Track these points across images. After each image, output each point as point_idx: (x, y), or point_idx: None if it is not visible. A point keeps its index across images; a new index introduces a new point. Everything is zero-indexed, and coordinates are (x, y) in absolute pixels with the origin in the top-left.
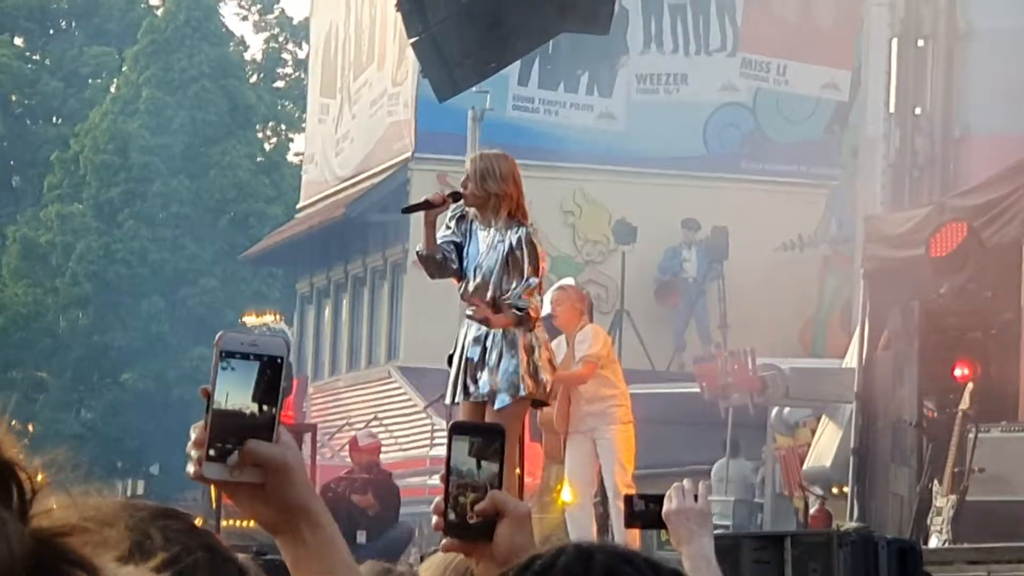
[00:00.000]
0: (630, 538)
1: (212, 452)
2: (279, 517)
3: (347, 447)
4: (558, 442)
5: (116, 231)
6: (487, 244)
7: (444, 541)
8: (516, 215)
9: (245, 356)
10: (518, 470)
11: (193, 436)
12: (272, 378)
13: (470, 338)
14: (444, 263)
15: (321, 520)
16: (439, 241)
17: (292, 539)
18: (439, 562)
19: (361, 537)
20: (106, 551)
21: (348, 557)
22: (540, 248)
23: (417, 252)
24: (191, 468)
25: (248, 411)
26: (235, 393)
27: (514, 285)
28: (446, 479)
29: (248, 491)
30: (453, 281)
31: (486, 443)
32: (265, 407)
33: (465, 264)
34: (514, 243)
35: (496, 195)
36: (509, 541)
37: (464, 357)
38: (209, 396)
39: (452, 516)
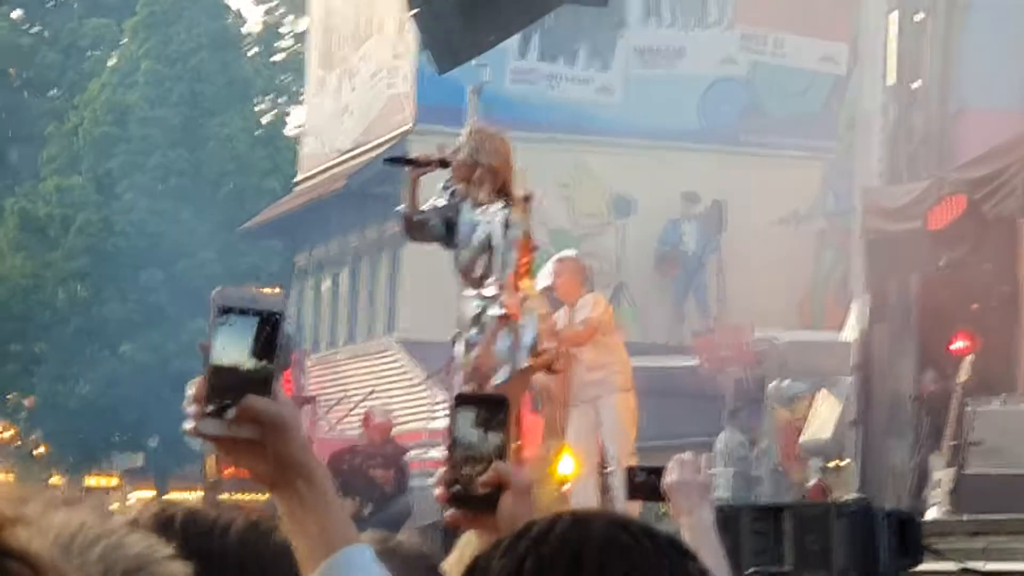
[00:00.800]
0: (630, 509)
1: (210, 408)
2: (276, 473)
3: (361, 420)
4: (556, 416)
5: (114, 203)
6: (473, 221)
7: (448, 513)
8: (501, 193)
9: (244, 312)
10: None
11: (191, 392)
12: (270, 334)
13: (469, 317)
14: (424, 226)
15: (317, 477)
16: (426, 208)
17: (288, 496)
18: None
19: (365, 509)
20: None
21: (343, 514)
22: (522, 231)
23: (400, 212)
24: (188, 424)
25: (246, 367)
26: (233, 348)
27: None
28: (450, 450)
29: (245, 447)
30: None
31: (491, 414)
32: (263, 362)
33: (457, 238)
34: (495, 227)
35: (484, 166)
36: (512, 512)
37: (466, 341)
38: (207, 351)
39: (456, 488)
